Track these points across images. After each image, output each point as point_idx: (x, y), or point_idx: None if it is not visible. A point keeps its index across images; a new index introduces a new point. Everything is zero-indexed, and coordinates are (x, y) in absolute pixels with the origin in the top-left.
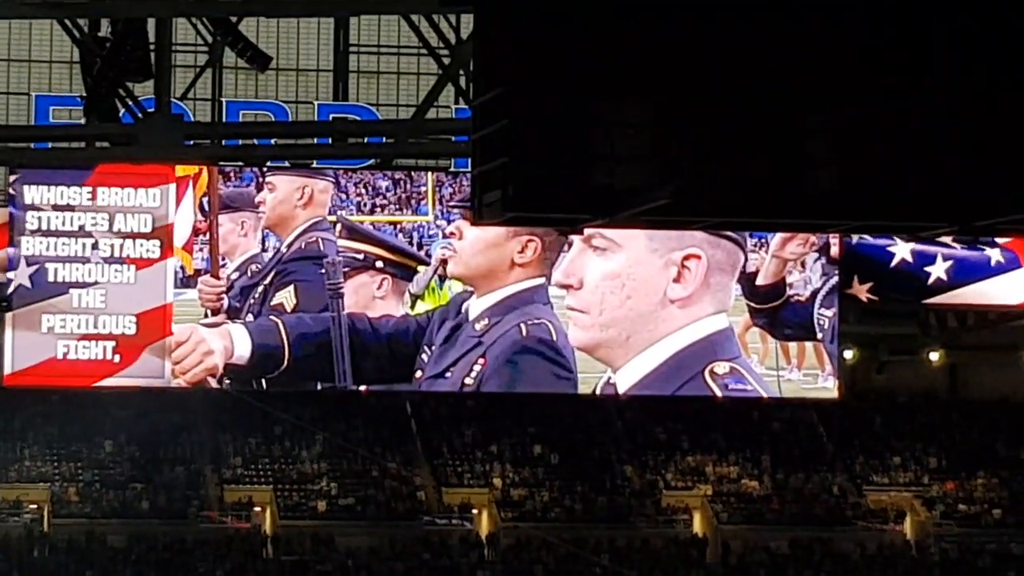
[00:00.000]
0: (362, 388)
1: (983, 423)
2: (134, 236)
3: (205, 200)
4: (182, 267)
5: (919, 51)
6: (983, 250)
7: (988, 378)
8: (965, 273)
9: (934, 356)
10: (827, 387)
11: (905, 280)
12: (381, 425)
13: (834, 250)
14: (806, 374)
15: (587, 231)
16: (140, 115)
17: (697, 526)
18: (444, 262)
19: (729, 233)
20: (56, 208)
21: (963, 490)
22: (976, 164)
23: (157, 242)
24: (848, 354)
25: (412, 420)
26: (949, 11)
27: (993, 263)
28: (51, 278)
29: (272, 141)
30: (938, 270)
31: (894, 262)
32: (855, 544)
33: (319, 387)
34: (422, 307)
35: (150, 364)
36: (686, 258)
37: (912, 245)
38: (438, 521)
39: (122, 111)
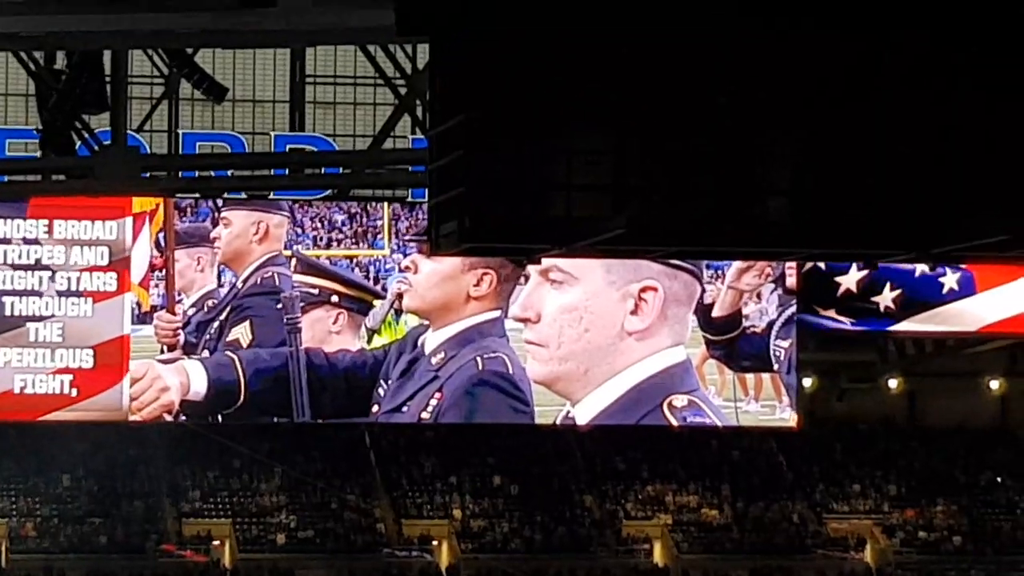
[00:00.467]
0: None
1: (942, 450)
2: (91, 269)
3: (161, 235)
4: (138, 303)
5: (874, 80)
6: (940, 275)
7: (947, 405)
8: (914, 301)
9: (893, 383)
10: (784, 418)
11: (855, 308)
12: (339, 457)
13: (790, 281)
14: (764, 405)
15: (544, 264)
16: (96, 148)
17: (657, 556)
18: (400, 296)
19: (685, 264)
20: (12, 241)
21: (923, 517)
22: (932, 191)
23: (114, 275)
24: (807, 382)
25: (371, 452)
26: (903, 41)
27: (946, 290)
28: (7, 312)
29: (229, 173)
30: (885, 299)
31: (840, 292)
32: (816, 572)
33: (276, 420)
34: (378, 341)
35: (108, 398)
36: (643, 290)
37: (861, 274)
38: (398, 553)
39: (78, 144)
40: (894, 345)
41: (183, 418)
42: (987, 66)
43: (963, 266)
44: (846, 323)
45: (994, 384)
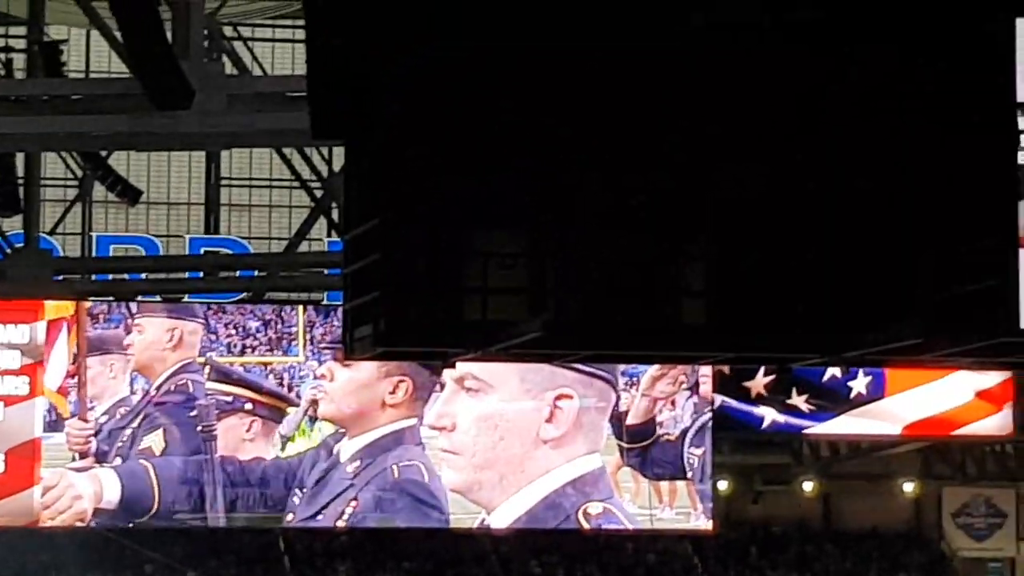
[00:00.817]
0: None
1: (857, 553)
2: (2, 373)
3: (74, 343)
4: (52, 408)
5: (786, 183)
6: (850, 379)
7: (861, 507)
8: (823, 405)
9: (807, 486)
10: (699, 525)
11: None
12: (254, 562)
13: (704, 388)
14: (679, 513)
15: (459, 372)
16: (8, 250)
17: None
18: (315, 403)
19: (600, 372)
20: None
21: None
22: (845, 295)
23: (26, 379)
24: (722, 485)
25: (285, 557)
26: (812, 143)
27: (854, 394)
28: None
29: (143, 275)
30: (795, 403)
31: (752, 396)
32: None
33: (188, 526)
34: (293, 449)
35: (18, 502)
36: (558, 398)
37: (767, 379)
38: None
39: None
40: (808, 448)
41: (93, 524)
42: (890, 179)
43: (879, 369)
44: (768, 415)
45: (908, 487)
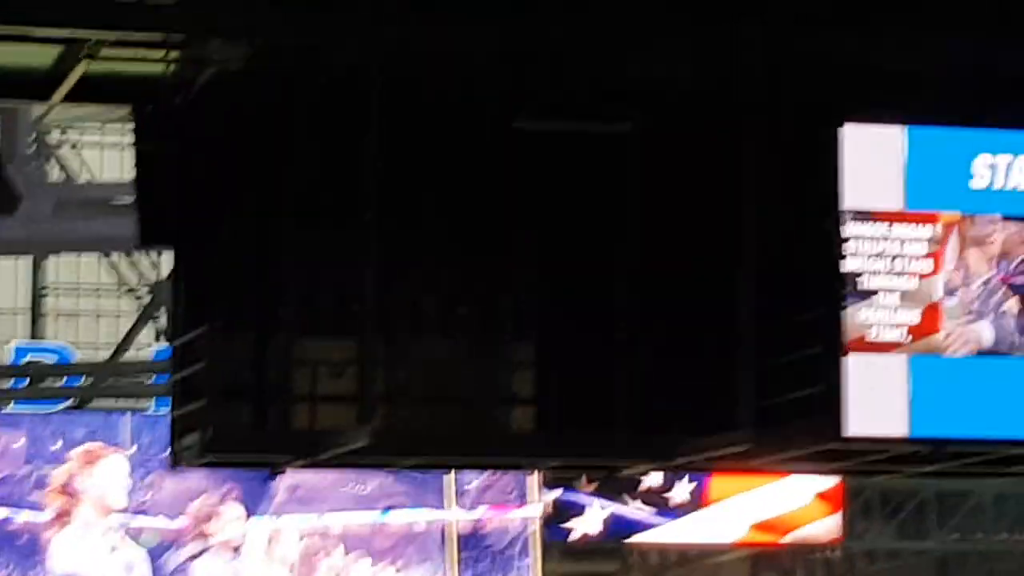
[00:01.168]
0: None
1: None
2: None
3: None
4: None
5: (612, 290)
6: (667, 488)
7: None
8: (621, 525)
9: None
10: None
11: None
12: None
13: (531, 497)
14: None
15: (290, 481)
16: None
17: None
18: (141, 513)
19: (431, 482)
20: None
21: None
22: (674, 401)
23: None
24: None
25: None
26: (636, 249)
27: (671, 505)
28: None
29: None
30: (589, 523)
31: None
32: None
33: None
34: (117, 559)
35: None
36: (389, 508)
37: (592, 486)
38: None
39: None
40: (638, 555)
41: None
42: (718, 284)
43: (700, 477)
44: (593, 523)
45: None
